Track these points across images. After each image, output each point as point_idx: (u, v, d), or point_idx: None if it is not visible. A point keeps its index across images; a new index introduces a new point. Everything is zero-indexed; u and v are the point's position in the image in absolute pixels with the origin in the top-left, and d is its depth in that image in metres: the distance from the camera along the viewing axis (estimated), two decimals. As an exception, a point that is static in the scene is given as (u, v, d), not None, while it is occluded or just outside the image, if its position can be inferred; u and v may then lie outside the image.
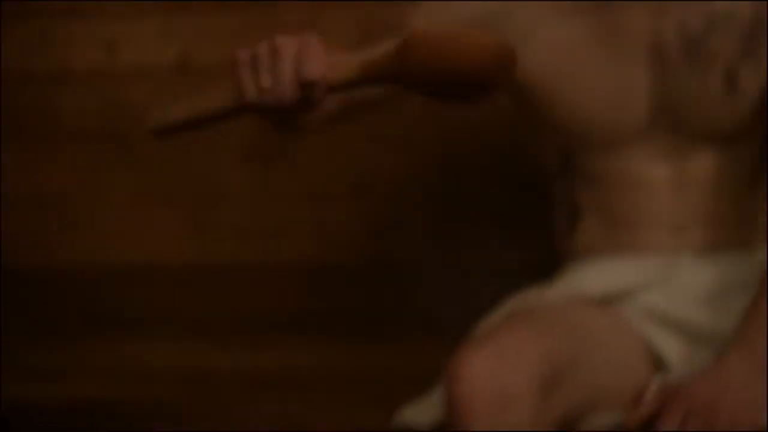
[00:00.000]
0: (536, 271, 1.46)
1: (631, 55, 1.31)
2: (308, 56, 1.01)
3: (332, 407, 1.78)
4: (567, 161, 1.39)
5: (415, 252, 1.79)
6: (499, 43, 1.02)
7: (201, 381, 1.85)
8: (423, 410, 1.31)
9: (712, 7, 1.27)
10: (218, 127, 1.80)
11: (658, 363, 1.33)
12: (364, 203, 1.79)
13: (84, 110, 1.85)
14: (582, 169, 1.38)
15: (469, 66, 1.01)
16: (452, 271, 1.76)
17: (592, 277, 1.38)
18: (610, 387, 1.28)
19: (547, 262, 1.48)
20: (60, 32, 1.86)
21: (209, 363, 1.84)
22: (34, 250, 1.91)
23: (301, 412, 1.78)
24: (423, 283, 1.78)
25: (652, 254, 1.35)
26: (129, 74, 1.84)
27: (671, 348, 1.32)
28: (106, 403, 1.85)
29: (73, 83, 1.86)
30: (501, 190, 1.76)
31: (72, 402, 1.85)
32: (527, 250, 1.72)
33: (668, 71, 1.30)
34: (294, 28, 1.68)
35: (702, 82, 1.29)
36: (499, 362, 1.14)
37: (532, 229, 1.66)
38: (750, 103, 1.30)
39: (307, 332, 1.81)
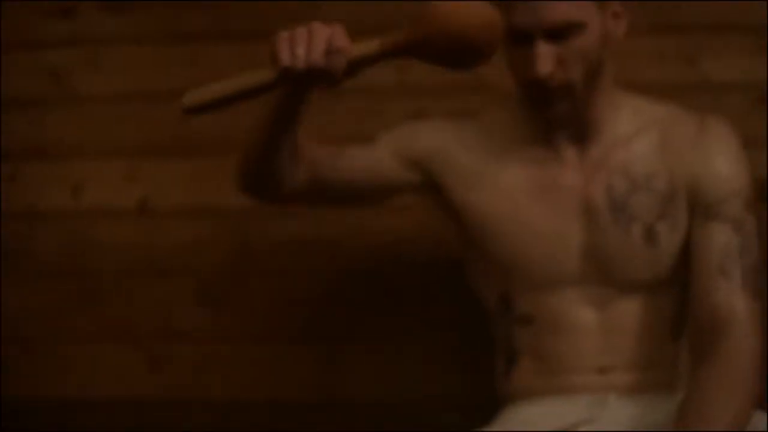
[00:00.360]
0: (481, 408, 1.55)
1: (565, 209, 1.46)
2: (337, 33, 1.24)
3: None
4: (506, 305, 1.51)
5: (360, 391, 1.86)
6: (495, 13, 1.25)
7: None
8: None
9: (636, 174, 1.44)
10: (173, 270, 1.94)
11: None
12: (309, 345, 1.88)
13: (50, 248, 1.94)
14: (518, 312, 1.49)
15: (476, 34, 1.23)
16: (400, 409, 1.83)
17: (526, 420, 1.47)
18: None
19: (491, 399, 1.57)
20: (29, 174, 1.95)
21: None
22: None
23: None
24: (367, 421, 1.84)
25: (582, 396, 1.45)
26: (93, 215, 1.93)
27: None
28: None
29: (42, 222, 1.94)
30: (448, 330, 1.86)
31: None
32: (472, 387, 1.80)
33: (596, 226, 1.46)
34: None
35: (625, 237, 1.44)
36: None
37: (478, 369, 1.73)
38: (668, 258, 1.44)
39: None
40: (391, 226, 1.87)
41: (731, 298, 1.37)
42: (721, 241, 1.41)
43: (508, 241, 1.47)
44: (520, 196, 1.47)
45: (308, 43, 1.22)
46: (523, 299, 1.50)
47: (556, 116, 1.43)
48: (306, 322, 1.89)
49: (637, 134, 1.48)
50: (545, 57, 1.35)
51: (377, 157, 1.52)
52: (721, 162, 1.44)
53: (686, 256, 1.44)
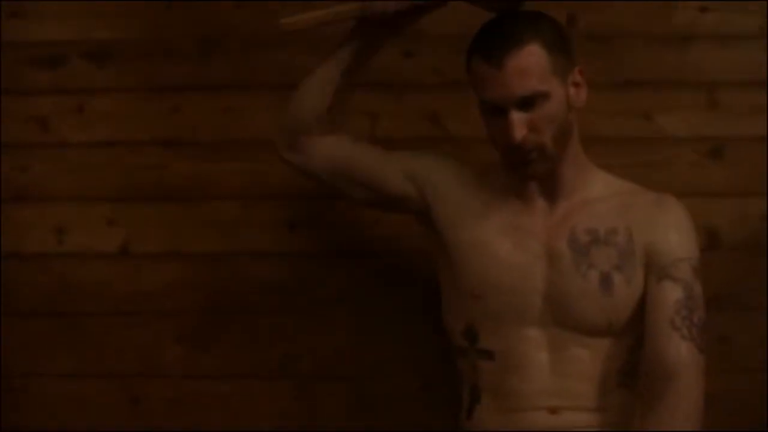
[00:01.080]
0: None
1: (531, 250, 1.61)
2: None
3: None
4: (471, 338, 1.61)
5: (334, 425, 1.92)
6: None
7: None
8: None
9: (597, 229, 1.60)
10: (154, 311, 1.99)
11: None
12: (283, 381, 1.94)
13: (35, 289, 1.98)
14: (482, 346, 1.60)
15: None
16: None
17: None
18: None
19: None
20: (15, 217, 2.00)
21: None
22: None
23: None
24: None
25: None
26: (76, 258, 1.99)
27: None
28: None
29: (27, 264, 1.99)
30: (420, 367, 1.93)
31: None
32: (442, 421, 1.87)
33: (557, 269, 1.59)
34: (226, 223, 1.92)
35: (583, 281, 1.58)
36: None
37: (447, 405, 1.82)
38: (622, 307, 1.58)
39: None
40: (358, 270, 1.95)
41: (680, 350, 1.52)
42: (673, 298, 1.55)
43: (477, 269, 1.60)
44: (493, 234, 1.62)
45: None
46: (486, 334, 1.61)
47: (533, 175, 1.61)
48: (280, 360, 1.95)
49: (602, 199, 1.65)
50: (518, 124, 1.53)
51: (386, 158, 1.71)
52: (675, 233, 1.60)
53: (641, 313, 1.57)
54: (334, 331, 1.96)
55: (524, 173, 1.59)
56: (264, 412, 1.94)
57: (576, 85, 1.60)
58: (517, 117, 1.52)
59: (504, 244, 1.61)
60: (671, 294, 1.55)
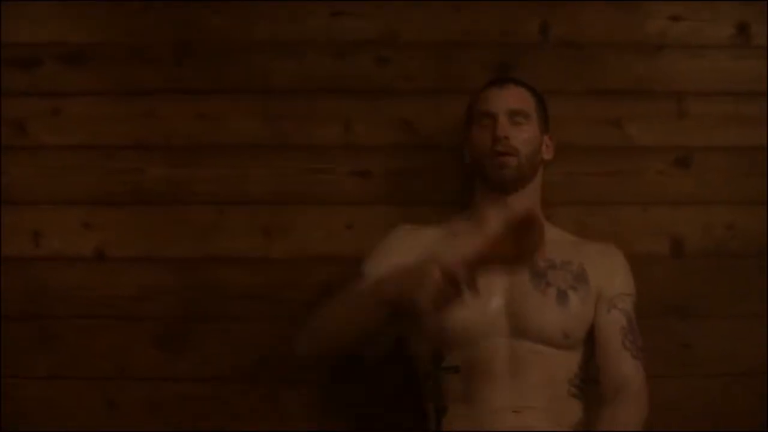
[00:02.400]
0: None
1: (494, 281, 1.73)
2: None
3: None
4: (437, 361, 1.68)
5: (310, 427, 1.95)
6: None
7: None
8: None
9: (554, 258, 1.81)
10: (130, 315, 2.00)
11: None
12: (256, 384, 1.96)
13: (11, 292, 1.99)
14: (447, 364, 1.66)
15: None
16: None
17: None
18: None
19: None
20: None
21: None
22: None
23: None
24: None
25: None
26: (52, 261, 1.99)
27: None
28: None
29: (3, 267, 1.98)
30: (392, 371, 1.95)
31: None
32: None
33: (518, 290, 1.75)
34: (202, 228, 1.94)
35: (542, 297, 1.75)
36: None
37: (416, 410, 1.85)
38: (576, 321, 1.76)
39: None
40: (334, 276, 1.96)
41: (630, 365, 1.77)
42: (620, 325, 1.80)
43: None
44: None
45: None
46: (452, 354, 1.70)
47: (503, 177, 1.82)
48: (254, 364, 1.98)
49: (555, 241, 1.84)
50: (505, 125, 1.83)
51: None
52: (619, 274, 1.85)
53: (590, 334, 1.77)
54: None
55: (498, 173, 1.81)
56: (237, 416, 1.96)
57: (547, 144, 1.90)
58: (505, 121, 1.83)
59: None
60: (618, 321, 1.80)
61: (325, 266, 1.99)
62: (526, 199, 1.82)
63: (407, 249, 1.78)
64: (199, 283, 1.99)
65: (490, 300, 1.73)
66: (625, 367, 1.75)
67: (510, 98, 1.85)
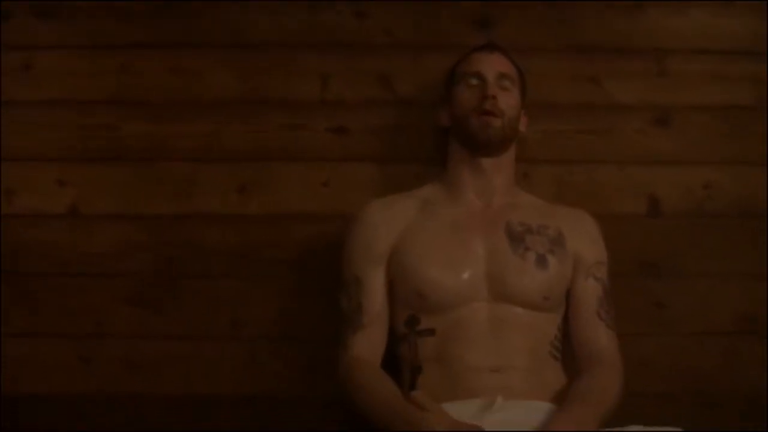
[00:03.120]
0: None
1: (473, 245, 1.75)
2: None
3: None
4: (413, 325, 1.73)
5: (280, 387, 1.95)
6: None
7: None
8: None
9: (530, 223, 1.81)
10: (104, 272, 1.99)
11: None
12: (232, 342, 1.97)
13: None
14: (423, 327, 1.72)
15: None
16: (315, 404, 1.93)
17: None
18: None
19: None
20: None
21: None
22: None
23: None
24: (284, 416, 1.95)
25: (475, 400, 1.65)
26: (26, 219, 1.97)
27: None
28: None
29: None
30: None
31: None
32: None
33: (497, 254, 1.75)
34: (178, 185, 1.92)
35: (521, 261, 1.75)
36: None
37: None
38: (555, 283, 1.76)
39: None
40: (310, 233, 1.97)
41: (605, 335, 1.80)
42: (597, 294, 1.82)
43: (422, 274, 1.73)
44: (434, 238, 1.77)
45: None
46: (428, 318, 1.73)
47: (488, 137, 1.80)
48: (229, 322, 1.98)
49: (529, 205, 1.88)
50: (494, 86, 1.83)
51: (381, 284, 1.77)
52: (594, 241, 1.85)
53: (567, 304, 1.81)
54: (284, 292, 1.98)
55: (482, 132, 1.80)
56: (215, 373, 1.96)
57: (522, 117, 1.90)
58: (494, 82, 1.84)
59: (446, 245, 1.77)
60: (594, 291, 1.82)
61: (302, 223, 1.98)
62: (500, 166, 1.82)
63: (386, 227, 1.78)
64: (176, 240, 1.98)
65: (470, 267, 1.73)
66: (600, 337, 1.78)
67: (498, 62, 1.86)
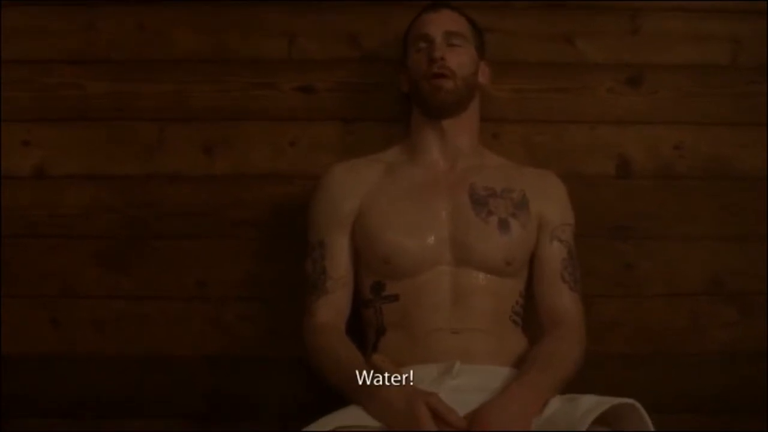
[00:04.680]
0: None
1: (435, 207, 1.75)
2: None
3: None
4: (378, 290, 1.74)
5: (246, 347, 1.96)
6: None
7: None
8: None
9: (494, 186, 1.80)
10: (72, 234, 1.98)
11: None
12: (200, 303, 1.96)
13: None
14: (387, 293, 1.73)
15: None
16: (282, 366, 1.95)
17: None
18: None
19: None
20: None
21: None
22: None
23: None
24: (251, 375, 1.96)
25: (435, 364, 1.65)
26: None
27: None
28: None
29: None
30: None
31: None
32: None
33: (460, 218, 1.74)
34: (143, 143, 1.91)
35: (484, 225, 1.74)
36: None
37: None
38: (517, 246, 1.75)
39: (159, 415, 1.95)
40: (276, 193, 1.96)
41: (568, 298, 1.79)
42: (561, 256, 1.81)
43: (387, 239, 1.73)
44: (398, 202, 1.76)
45: None
46: (393, 283, 1.73)
47: (442, 99, 1.78)
48: (195, 282, 1.97)
49: (495, 167, 1.86)
50: (441, 47, 1.80)
51: (346, 248, 1.77)
52: (560, 202, 1.84)
53: (531, 266, 1.80)
54: (250, 253, 1.97)
55: (434, 96, 1.78)
56: (182, 334, 1.97)
57: (483, 70, 1.87)
58: (441, 42, 1.81)
59: (410, 209, 1.76)
60: (559, 253, 1.80)
61: (268, 183, 1.97)
62: (462, 126, 1.80)
63: (349, 191, 1.77)
64: (142, 200, 1.97)
65: (433, 231, 1.72)
66: (564, 300, 1.77)
67: (445, 21, 1.82)
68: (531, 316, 1.79)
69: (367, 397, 1.57)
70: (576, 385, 1.65)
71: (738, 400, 1.95)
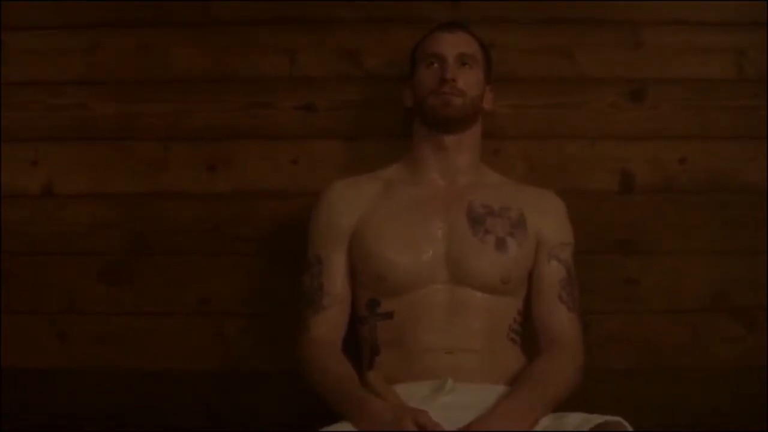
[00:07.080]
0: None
1: (432, 224, 1.75)
2: None
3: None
4: (373, 307, 1.74)
5: (249, 361, 1.98)
6: None
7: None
8: None
9: (492, 205, 1.79)
10: (77, 251, 2.01)
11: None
12: (202, 318, 1.99)
13: None
14: (382, 310, 1.73)
15: None
16: (280, 379, 1.94)
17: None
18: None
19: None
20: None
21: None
22: None
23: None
24: (254, 390, 1.97)
25: (431, 376, 1.65)
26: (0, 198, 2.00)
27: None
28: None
29: None
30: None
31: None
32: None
33: (457, 236, 1.74)
34: (148, 164, 1.94)
35: (480, 244, 1.74)
36: None
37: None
38: (514, 266, 1.75)
39: (160, 429, 1.97)
40: (277, 210, 1.98)
41: (566, 318, 1.78)
42: (559, 276, 1.80)
43: (383, 256, 1.73)
44: (395, 219, 1.77)
45: None
46: (388, 300, 1.73)
47: (448, 116, 1.79)
48: (197, 298, 1.99)
49: (494, 185, 1.86)
50: (454, 68, 1.81)
51: (343, 264, 1.77)
52: (559, 221, 1.83)
53: (528, 280, 1.80)
54: (252, 269, 1.99)
55: (442, 111, 1.79)
56: (183, 349, 1.99)
57: (487, 95, 1.87)
58: (454, 64, 1.81)
59: (405, 225, 1.77)
60: (558, 273, 1.80)
61: (270, 201, 1.99)
62: (464, 144, 1.80)
63: (348, 208, 1.77)
64: (146, 218, 2.00)
65: (430, 249, 1.72)
66: (561, 320, 1.76)
67: (459, 42, 1.83)
68: (531, 334, 1.77)
69: (357, 412, 1.57)
70: (577, 400, 1.64)
71: (740, 415, 1.93)
